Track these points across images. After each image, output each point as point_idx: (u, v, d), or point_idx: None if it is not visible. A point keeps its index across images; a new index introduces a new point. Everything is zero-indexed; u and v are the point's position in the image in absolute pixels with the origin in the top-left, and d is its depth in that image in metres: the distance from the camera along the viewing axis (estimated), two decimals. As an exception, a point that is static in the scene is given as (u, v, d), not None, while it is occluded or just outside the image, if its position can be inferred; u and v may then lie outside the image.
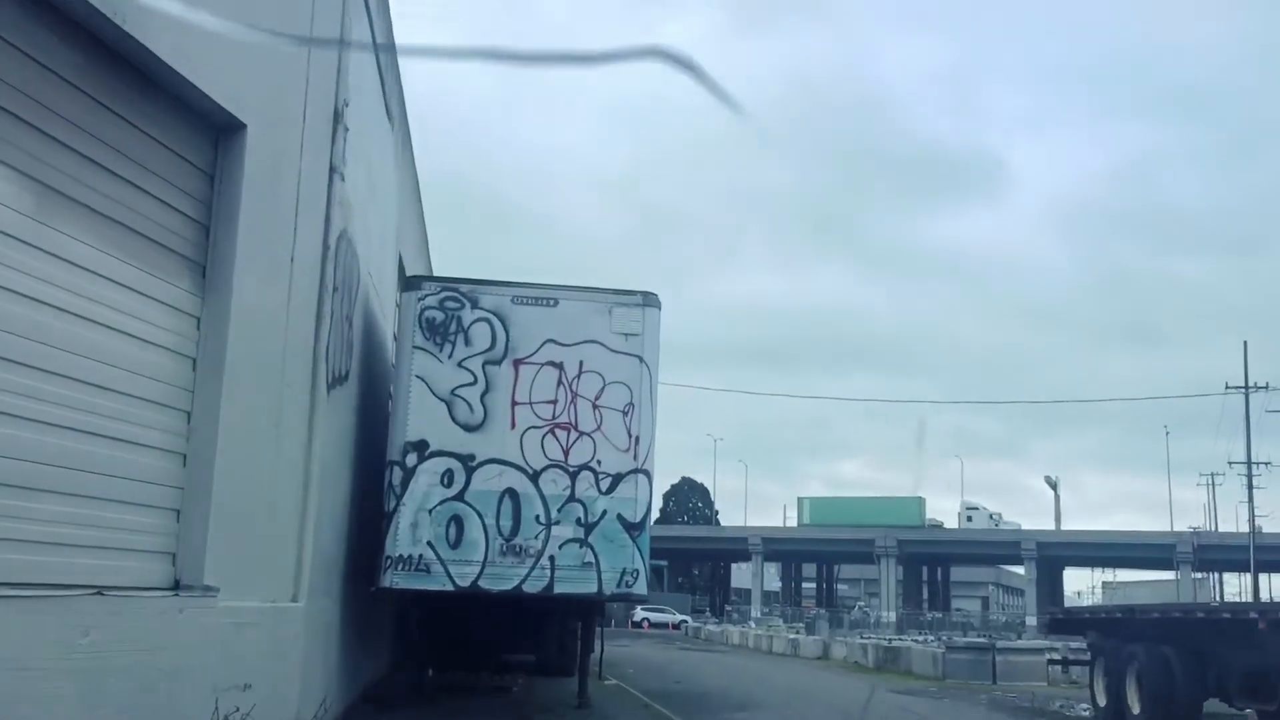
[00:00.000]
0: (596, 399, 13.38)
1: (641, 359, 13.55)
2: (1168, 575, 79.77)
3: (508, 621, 15.26)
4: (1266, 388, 63.67)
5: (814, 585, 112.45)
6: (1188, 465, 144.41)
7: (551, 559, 12.93)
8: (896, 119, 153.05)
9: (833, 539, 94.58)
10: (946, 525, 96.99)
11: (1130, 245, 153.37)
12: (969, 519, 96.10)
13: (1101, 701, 17.67)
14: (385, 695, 15.68)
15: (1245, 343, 63.91)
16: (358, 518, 12.98)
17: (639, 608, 78.09)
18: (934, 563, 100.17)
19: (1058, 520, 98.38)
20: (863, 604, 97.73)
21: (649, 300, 13.73)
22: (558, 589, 12.92)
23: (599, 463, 13.25)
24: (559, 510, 13.06)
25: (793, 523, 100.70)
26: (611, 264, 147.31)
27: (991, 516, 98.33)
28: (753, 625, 63.70)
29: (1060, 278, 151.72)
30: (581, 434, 13.29)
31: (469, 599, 13.15)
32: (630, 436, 13.36)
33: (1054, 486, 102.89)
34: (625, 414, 13.40)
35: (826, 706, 18.84)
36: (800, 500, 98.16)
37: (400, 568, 12.67)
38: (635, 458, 13.33)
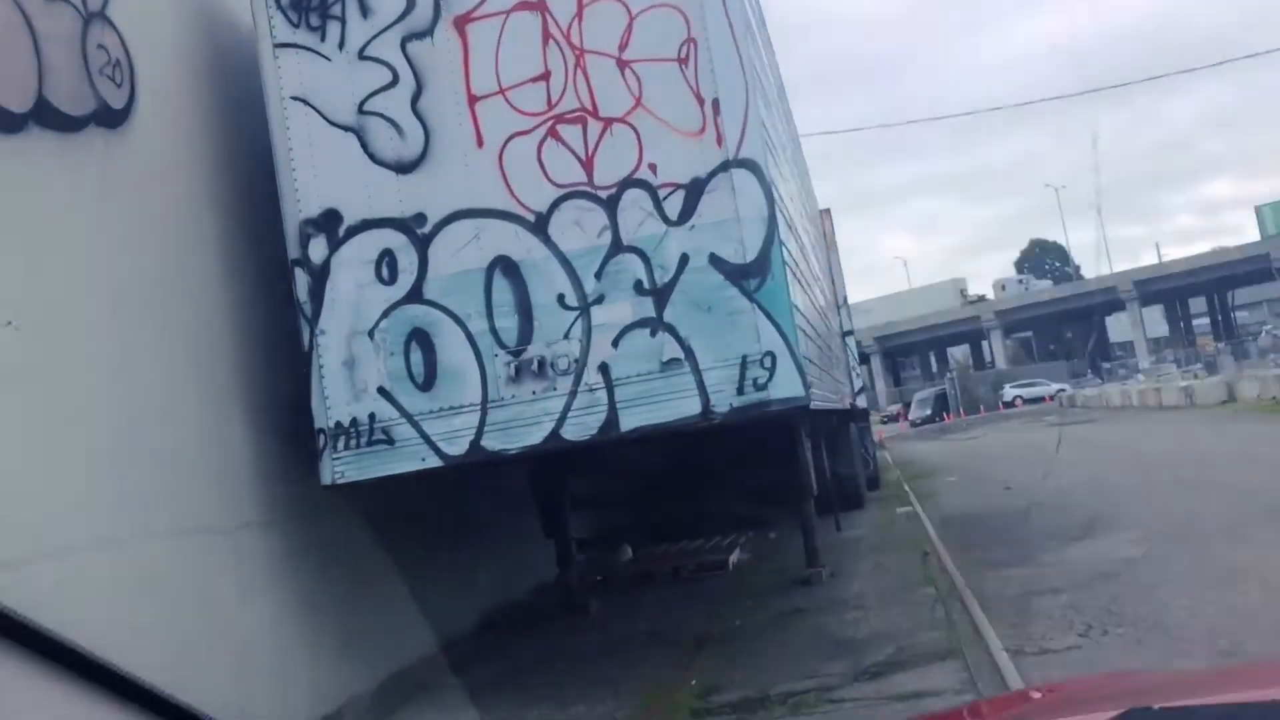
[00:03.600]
0: (622, 49, 6.85)
1: (693, -49, 6.84)
2: None
3: (695, 460, 9.67)
4: None
5: (1206, 320, 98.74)
6: None
7: (604, 369, 6.72)
8: None
9: (1216, 264, 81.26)
10: None
11: None
12: None
13: None
14: (516, 614, 10.51)
15: None
16: (280, 373, 7.31)
17: (1007, 386, 69.46)
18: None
19: None
20: (1269, 326, 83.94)
21: None
22: (626, 423, 6.69)
23: (653, 168, 6.78)
24: (599, 275, 6.77)
25: (1169, 258, 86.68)
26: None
27: None
28: (1139, 378, 54.51)
29: None
30: (610, 122, 6.81)
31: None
32: (701, 103, 6.76)
33: None
34: (683, 63, 6.80)
35: (1234, 505, 11.52)
36: (1259, 209, 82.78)
37: (343, 444, 6.88)
38: (720, 140, 6.71)
